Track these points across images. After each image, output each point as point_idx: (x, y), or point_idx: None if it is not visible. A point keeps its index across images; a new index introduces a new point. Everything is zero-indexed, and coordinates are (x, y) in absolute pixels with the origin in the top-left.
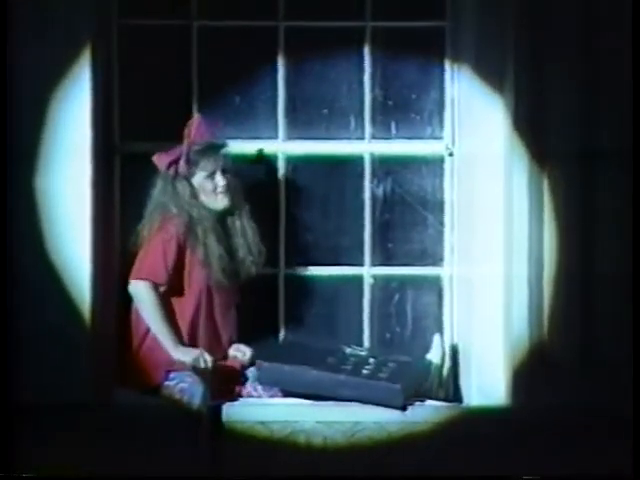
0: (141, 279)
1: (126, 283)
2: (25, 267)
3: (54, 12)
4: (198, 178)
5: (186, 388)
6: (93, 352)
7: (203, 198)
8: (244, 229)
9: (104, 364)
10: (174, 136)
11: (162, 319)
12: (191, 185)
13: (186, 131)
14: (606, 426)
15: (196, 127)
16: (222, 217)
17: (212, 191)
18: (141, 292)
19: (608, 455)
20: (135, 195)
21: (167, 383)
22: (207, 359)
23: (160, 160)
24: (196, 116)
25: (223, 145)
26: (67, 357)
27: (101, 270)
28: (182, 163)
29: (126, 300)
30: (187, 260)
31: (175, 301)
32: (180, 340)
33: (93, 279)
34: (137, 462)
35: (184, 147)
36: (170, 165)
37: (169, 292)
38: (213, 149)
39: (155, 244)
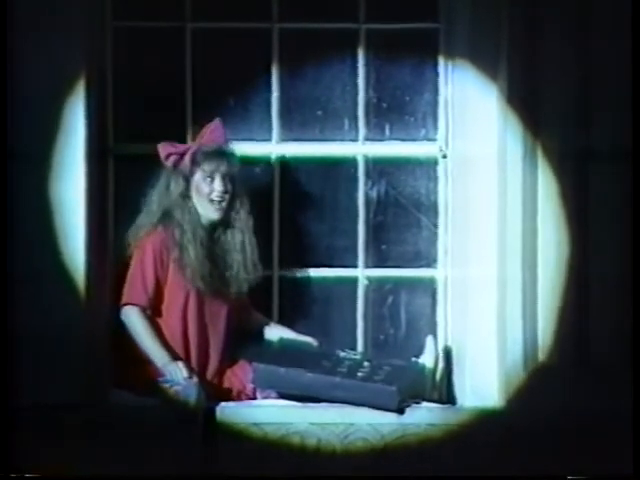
0: (125, 304)
1: (122, 285)
2: (20, 268)
3: (50, 14)
4: (197, 178)
5: (181, 389)
6: (90, 353)
7: (196, 201)
8: (243, 245)
9: (101, 365)
10: (168, 138)
11: (151, 339)
12: (187, 185)
13: (201, 131)
14: (602, 427)
15: (212, 130)
16: (221, 228)
17: (207, 195)
18: (127, 317)
19: (608, 455)
20: (129, 196)
21: (163, 384)
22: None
23: (164, 149)
24: (216, 119)
25: (233, 153)
26: (64, 358)
27: (96, 271)
28: (187, 158)
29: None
30: (170, 273)
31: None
32: (174, 355)
33: (88, 280)
34: (133, 462)
35: (194, 145)
36: (170, 156)
37: (158, 309)
38: (220, 154)
39: (134, 265)
